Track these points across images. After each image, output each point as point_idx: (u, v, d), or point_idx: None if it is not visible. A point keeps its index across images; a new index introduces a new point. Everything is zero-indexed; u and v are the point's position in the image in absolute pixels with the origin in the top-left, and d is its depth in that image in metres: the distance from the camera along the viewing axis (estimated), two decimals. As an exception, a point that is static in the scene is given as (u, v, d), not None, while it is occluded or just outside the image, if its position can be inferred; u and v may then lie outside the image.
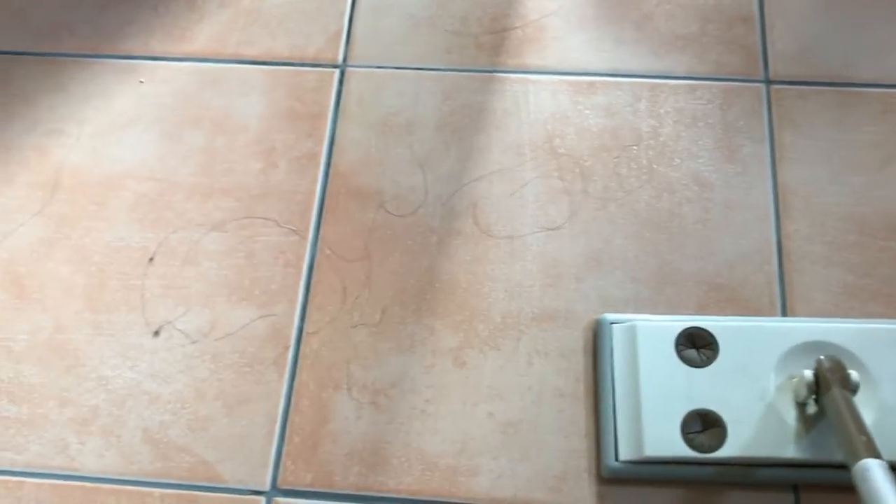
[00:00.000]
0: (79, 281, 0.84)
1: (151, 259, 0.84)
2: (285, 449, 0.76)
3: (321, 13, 0.97)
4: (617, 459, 0.72)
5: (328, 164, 0.88)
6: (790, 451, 0.68)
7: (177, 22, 0.97)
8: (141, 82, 0.93)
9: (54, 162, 0.90)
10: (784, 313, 0.79)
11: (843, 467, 0.60)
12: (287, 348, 0.80)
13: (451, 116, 0.90)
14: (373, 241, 0.84)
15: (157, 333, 0.81)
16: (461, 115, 0.90)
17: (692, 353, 0.73)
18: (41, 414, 0.78)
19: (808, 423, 0.69)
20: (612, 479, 0.73)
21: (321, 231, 0.85)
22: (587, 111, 0.90)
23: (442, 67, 0.93)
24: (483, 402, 0.77)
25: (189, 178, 0.88)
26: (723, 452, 0.69)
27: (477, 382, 0.78)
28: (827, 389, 0.66)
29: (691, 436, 0.70)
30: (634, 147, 0.87)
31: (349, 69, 0.93)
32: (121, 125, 0.91)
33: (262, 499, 0.74)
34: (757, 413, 0.69)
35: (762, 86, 0.90)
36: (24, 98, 0.93)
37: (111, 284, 0.83)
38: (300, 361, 0.79)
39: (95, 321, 0.82)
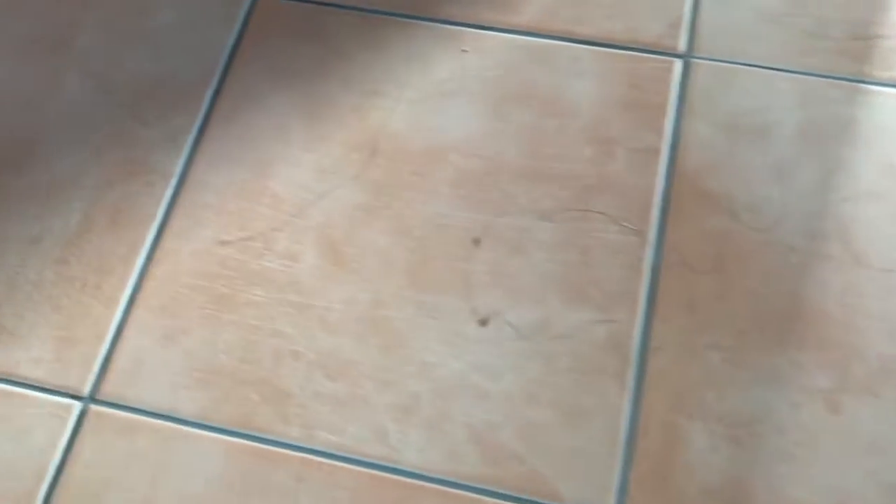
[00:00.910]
0: (399, 254, 0.77)
1: (477, 241, 0.77)
2: (632, 474, 0.68)
3: (664, -4, 0.88)
4: None
5: (671, 162, 0.80)
6: None
7: (506, -10, 0.90)
8: (464, 51, 0.87)
9: (372, 124, 0.84)
10: None
11: None
12: (629, 362, 0.72)
13: (811, 125, 0.80)
14: (725, 253, 0.75)
15: (484, 323, 0.74)
16: (823, 125, 0.80)
17: None
18: (359, 395, 0.72)
19: None
20: None
21: (665, 234, 0.76)
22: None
23: (799, 70, 0.83)
24: (862, 457, 0.67)
25: (516, 159, 0.81)
26: None
27: (854, 432, 0.68)
28: None
29: None
30: None
31: (694, 61, 0.85)
32: (443, 94, 0.85)
33: (612, 527, 0.66)
34: None
35: None
36: (341, 53, 0.87)
37: (435, 263, 0.77)
38: (646, 379, 0.71)
39: (418, 300, 0.75)
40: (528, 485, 0.68)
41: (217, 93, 0.86)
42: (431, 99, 0.84)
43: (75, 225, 0.80)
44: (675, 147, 0.80)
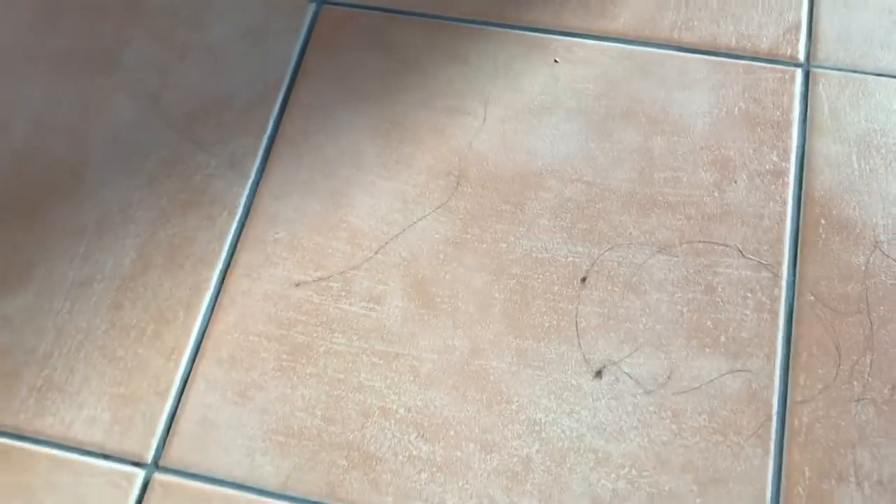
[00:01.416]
0: (496, 295, 0.68)
1: (584, 279, 0.68)
2: (781, 552, 0.58)
3: (776, -2, 0.79)
4: None
5: (799, 186, 0.70)
6: None
7: (598, -7, 0.81)
8: (555, 62, 0.78)
9: (457, 146, 0.75)
10: None
11: None
12: (770, 418, 0.62)
13: (956, 142, 0.71)
14: (870, 292, 0.66)
15: (598, 374, 0.65)
16: (972, 142, 0.71)
17: None
18: (460, 458, 0.63)
19: None
20: None
21: (799, 270, 0.67)
22: None
23: (937, 79, 0.74)
24: None
25: (624, 184, 0.72)
26: None
27: None
28: None
29: None
30: None
31: (815, 70, 0.75)
32: (535, 111, 0.76)
33: None
34: None
35: None
36: (416, 66, 0.78)
37: (537, 305, 0.68)
38: (788, 437, 0.62)
39: (520, 348, 0.66)
40: (664, 566, 0.59)
41: (282, 112, 0.77)
42: (522, 116, 0.75)
43: (129, 264, 0.71)
44: (802, 168, 0.71)
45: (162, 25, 0.82)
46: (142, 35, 0.82)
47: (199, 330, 0.68)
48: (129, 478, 0.63)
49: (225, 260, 0.71)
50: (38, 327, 0.69)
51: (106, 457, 0.64)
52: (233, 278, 0.70)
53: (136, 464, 0.64)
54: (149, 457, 0.64)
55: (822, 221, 0.69)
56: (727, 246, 0.69)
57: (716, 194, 0.71)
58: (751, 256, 0.68)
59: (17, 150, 0.76)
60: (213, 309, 0.69)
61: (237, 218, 0.73)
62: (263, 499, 0.62)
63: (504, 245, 0.70)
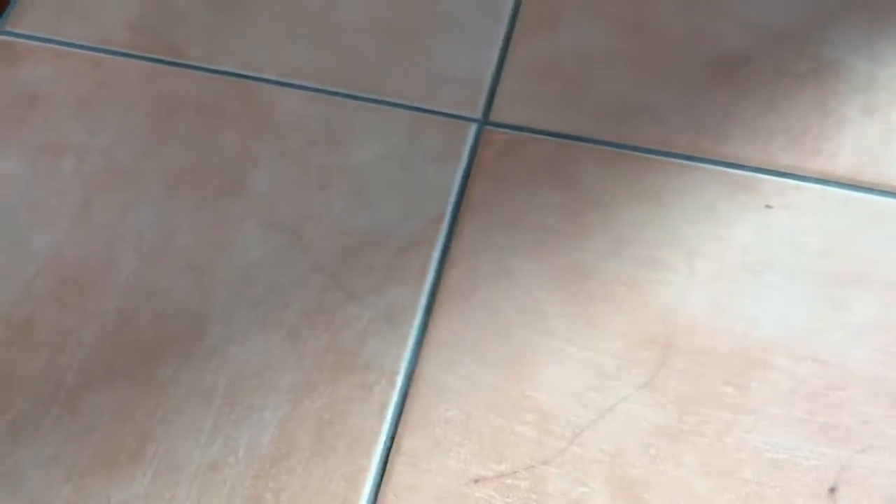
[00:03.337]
0: (711, 502, 0.55)
1: (832, 490, 0.55)
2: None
3: None
4: None
5: None
6: None
7: (806, 124, 0.69)
8: (768, 207, 0.66)
9: (659, 308, 0.62)
10: None
11: None
12: None
13: None
14: None
15: None
16: None
17: None
18: None
19: None
20: None
21: None
22: None
23: None
24: None
25: (869, 366, 0.59)
26: None
27: None
28: None
29: None
30: None
31: None
32: (750, 268, 0.63)
33: None
34: None
35: None
36: (598, 205, 0.67)
37: (779, 523, 0.54)
38: None
39: (765, 583, 0.53)
40: None
41: (444, 256, 0.65)
42: (735, 274, 0.63)
43: (269, 444, 0.58)
44: None
45: (294, 145, 0.70)
46: (272, 156, 0.70)
47: (361, 539, 0.55)
48: None
49: (385, 443, 0.58)
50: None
51: None
52: (396, 467, 0.57)
53: None
54: None
55: None
56: None
57: (984, 385, 0.58)
58: None
59: (125, 289, 0.64)
60: (375, 510, 0.56)
61: (397, 388, 0.60)
62: None
63: (729, 440, 0.57)
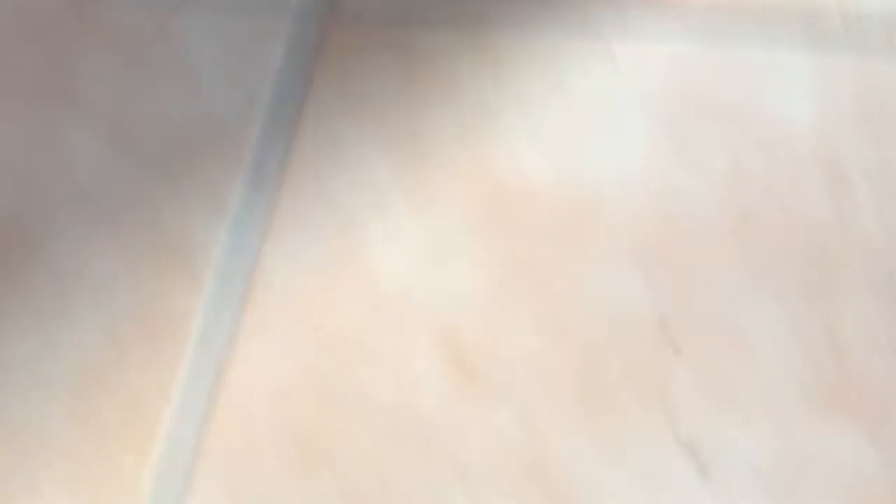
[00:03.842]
0: (558, 360, 0.53)
1: (672, 339, 0.53)
2: None
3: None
4: None
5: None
6: None
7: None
8: (608, 53, 0.62)
9: (495, 167, 0.59)
10: None
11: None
12: (940, 515, 0.46)
13: None
14: None
15: (704, 470, 0.49)
16: None
17: None
18: (526, 587, 0.47)
19: None
20: None
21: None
22: None
23: None
24: None
25: (713, 206, 0.56)
26: None
27: None
28: None
29: None
30: None
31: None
32: (588, 114, 0.60)
33: None
34: None
35: None
36: (438, 74, 0.63)
37: (612, 372, 0.52)
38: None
39: (595, 433, 0.51)
40: None
41: (282, 144, 0.62)
42: (574, 124, 0.60)
43: (94, 342, 0.57)
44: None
45: (117, 39, 0.67)
46: (97, 52, 0.67)
47: (179, 423, 0.54)
48: None
49: (215, 331, 0.56)
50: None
51: None
52: (222, 353, 0.55)
53: None
54: None
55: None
56: (859, 279, 0.53)
57: (834, 212, 0.55)
58: (885, 291, 0.52)
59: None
60: (195, 393, 0.54)
61: (226, 277, 0.58)
62: None
63: (564, 293, 0.55)
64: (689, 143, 0.57)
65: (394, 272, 0.56)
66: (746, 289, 0.53)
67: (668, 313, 0.53)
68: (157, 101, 0.64)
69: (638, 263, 0.55)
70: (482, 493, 0.50)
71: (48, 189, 0.62)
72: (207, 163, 0.61)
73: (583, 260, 0.56)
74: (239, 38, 0.66)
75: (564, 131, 0.60)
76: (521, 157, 0.59)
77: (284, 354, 0.55)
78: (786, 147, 0.57)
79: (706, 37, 0.60)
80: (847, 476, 0.48)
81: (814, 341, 0.51)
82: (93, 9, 0.68)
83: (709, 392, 0.51)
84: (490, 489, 0.50)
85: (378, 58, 0.64)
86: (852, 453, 0.48)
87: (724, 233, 0.55)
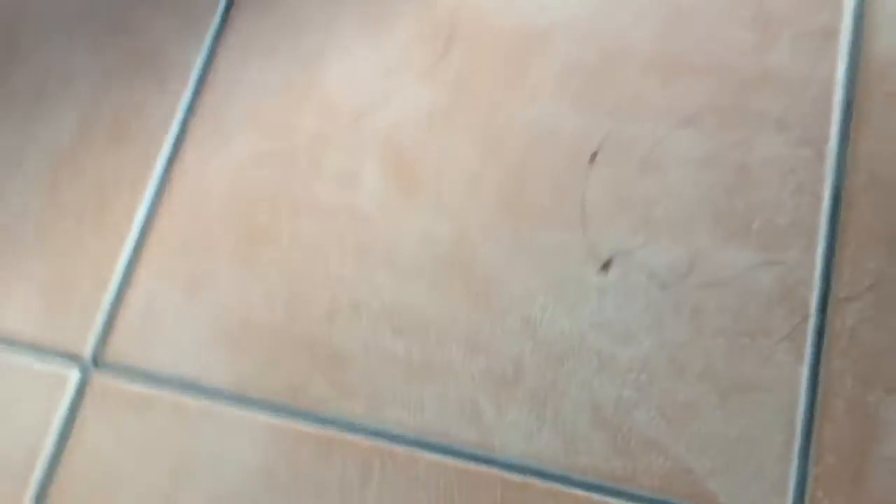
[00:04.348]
0: (490, 174, 0.58)
1: (594, 156, 0.58)
2: (812, 471, 0.50)
3: None
4: None
5: (854, 47, 0.59)
6: None
7: None
8: None
9: (446, 2, 0.63)
10: None
11: None
12: (807, 318, 0.53)
13: None
14: (936, 172, 0.55)
15: (606, 266, 0.55)
16: None
17: None
18: (441, 360, 0.54)
19: None
20: None
21: (850, 145, 0.56)
22: None
23: None
24: None
25: (644, 44, 0.60)
26: None
27: None
28: None
29: None
30: None
31: None
32: (542, -41, 0.64)
33: (797, 549, 0.49)
34: None
35: None
36: None
37: (536, 185, 0.57)
38: (829, 342, 0.52)
39: (516, 235, 0.56)
40: (672, 484, 0.50)
41: (245, -37, 0.66)
42: (526, -34, 0.64)
43: (69, 139, 0.62)
44: (858, 28, 0.59)
45: None
46: None
47: (145, 212, 0.59)
48: (64, 377, 0.55)
49: (176, 132, 0.61)
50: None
51: (39, 352, 0.56)
52: (185, 154, 0.61)
53: (72, 359, 0.56)
54: (86, 353, 0.56)
55: (881, 89, 0.57)
56: (764, 117, 0.58)
57: (754, 57, 0.59)
58: (792, 129, 0.57)
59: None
60: (161, 188, 0.60)
61: (191, 84, 0.62)
62: (215, 402, 0.54)
63: (501, 117, 0.60)
64: (627, -14, 0.62)
65: (346, 90, 0.61)
66: (673, 125, 0.58)
67: (594, 136, 0.58)
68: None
69: (571, 91, 0.60)
70: (408, 278, 0.56)
71: (42, 3, 0.66)
72: (181, -19, 0.65)
73: (521, 84, 0.60)
74: None
75: (516, -28, 0.64)
76: (474, -7, 0.63)
77: (241, 156, 0.60)
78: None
79: None
80: (740, 287, 0.54)
81: (724, 173, 0.56)
82: None
83: (622, 205, 0.57)
84: (415, 275, 0.56)
85: None
86: (753, 279, 0.54)
87: (654, 68, 0.59)
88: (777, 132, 0.57)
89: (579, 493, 0.51)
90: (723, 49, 0.60)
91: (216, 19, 0.64)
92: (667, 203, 0.56)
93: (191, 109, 0.62)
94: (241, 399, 0.54)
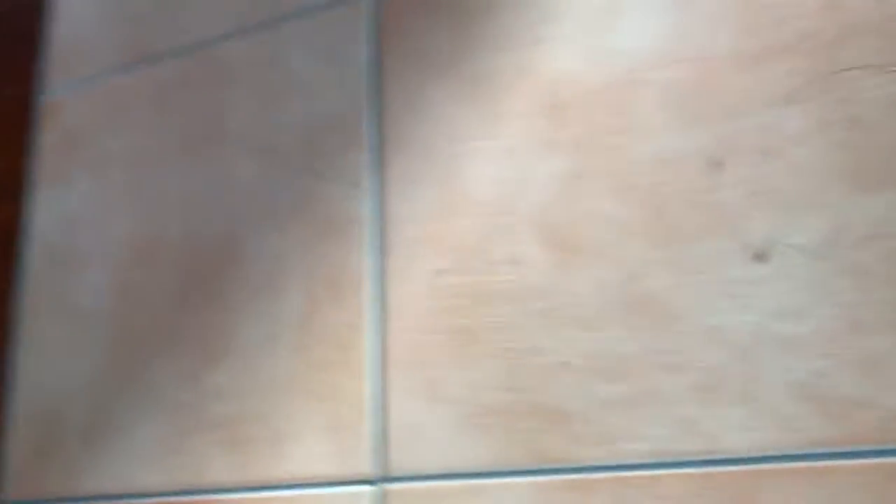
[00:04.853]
0: (631, 215, 0.65)
1: (718, 163, 0.63)
2: None
3: None
4: None
5: (928, -35, 0.60)
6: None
7: None
8: (611, -52, 0.71)
9: (543, 76, 0.72)
10: None
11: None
12: (970, 238, 0.55)
13: None
14: None
15: (762, 258, 0.60)
16: None
17: None
18: (649, 389, 0.62)
19: None
20: None
21: (957, 61, 0.57)
22: None
23: None
24: None
25: (726, 45, 0.65)
26: None
27: None
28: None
29: None
30: None
31: None
32: (607, 10, 0.70)
33: None
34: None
35: None
36: (474, 14, 0.76)
37: (676, 208, 0.64)
38: None
39: (674, 259, 0.63)
40: (889, 431, 0.54)
41: (378, 116, 0.78)
42: (596, 18, 0.71)
43: (300, 306, 0.77)
44: (925, -57, 0.60)
45: (259, 93, 0.86)
46: (242, 98, 0.87)
47: (376, 345, 0.73)
48: (360, 497, 0.69)
49: (375, 274, 0.74)
50: (248, 388, 0.77)
51: (336, 484, 0.71)
52: (388, 289, 0.73)
53: (365, 482, 0.70)
54: (373, 472, 0.70)
55: (969, -6, 0.58)
56: (860, 68, 0.61)
57: (830, 13, 0.62)
58: (892, 69, 0.60)
59: (184, 235, 0.85)
60: (380, 322, 0.73)
61: (371, 231, 0.76)
62: (483, 481, 0.65)
63: (624, 159, 0.67)
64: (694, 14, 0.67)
65: (486, 185, 0.71)
66: (777, 109, 0.63)
67: (709, 145, 0.64)
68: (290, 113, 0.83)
69: (677, 113, 0.66)
70: (595, 328, 0.65)
71: (227, 206, 0.83)
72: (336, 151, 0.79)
73: (632, 125, 0.68)
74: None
75: (591, 23, 0.71)
76: (561, 55, 0.72)
77: (425, 275, 0.72)
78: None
79: None
80: (892, 231, 0.57)
81: (839, 133, 0.60)
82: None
83: (758, 198, 0.62)
84: (601, 324, 0.65)
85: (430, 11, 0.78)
86: (890, 210, 0.58)
87: (741, 63, 0.64)
88: (876, 74, 0.60)
89: (808, 465, 0.56)
90: (796, 19, 0.63)
91: (373, 167, 0.77)
92: (795, 181, 0.61)
93: (380, 251, 0.75)
94: (500, 472, 0.65)
